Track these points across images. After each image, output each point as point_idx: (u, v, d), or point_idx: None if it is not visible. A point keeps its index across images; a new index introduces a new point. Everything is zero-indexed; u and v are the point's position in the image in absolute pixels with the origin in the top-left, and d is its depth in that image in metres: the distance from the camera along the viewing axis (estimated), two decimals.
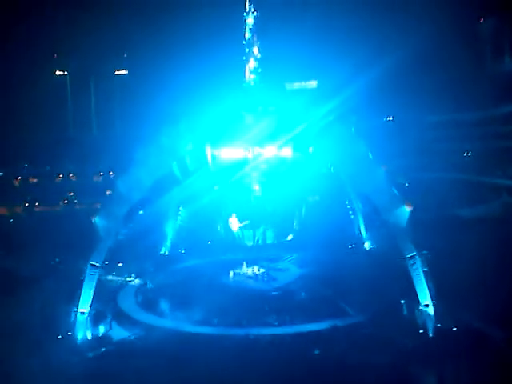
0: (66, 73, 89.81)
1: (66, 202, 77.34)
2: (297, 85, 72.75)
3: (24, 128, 79.80)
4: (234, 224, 57.85)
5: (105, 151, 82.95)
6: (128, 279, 48.76)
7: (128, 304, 42.70)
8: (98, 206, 47.87)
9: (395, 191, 38.86)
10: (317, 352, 32.84)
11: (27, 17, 75.30)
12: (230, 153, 51.53)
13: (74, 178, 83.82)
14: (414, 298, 36.64)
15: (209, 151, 50.53)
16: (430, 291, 36.31)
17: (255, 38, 55.97)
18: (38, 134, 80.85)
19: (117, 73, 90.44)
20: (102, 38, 78.90)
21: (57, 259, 52.46)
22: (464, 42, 72.95)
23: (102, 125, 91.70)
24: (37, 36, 77.40)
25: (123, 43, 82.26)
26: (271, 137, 50.58)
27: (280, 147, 50.98)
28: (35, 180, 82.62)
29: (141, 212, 44.67)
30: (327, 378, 29.39)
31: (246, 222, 57.55)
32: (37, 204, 75.88)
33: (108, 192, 59.12)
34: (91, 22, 76.92)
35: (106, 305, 40.95)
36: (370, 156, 40.63)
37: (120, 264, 49.39)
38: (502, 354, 31.03)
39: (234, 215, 57.73)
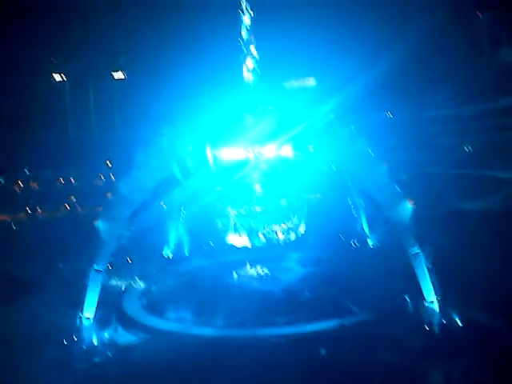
0: (64, 76, 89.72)
1: (67, 206, 77.30)
2: (296, 83, 72.68)
3: (24, 132, 79.67)
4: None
5: (105, 154, 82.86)
6: (132, 283, 48.73)
7: (133, 308, 42.65)
8: (100, 209, 47.94)
9: (397, 188, 38.83)
10: (323, 351, 32.76)
11: (25, 21, 75.21)
12: (230, 153, 51.43)
13: (74, 182, 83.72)
14: (418, 295, 36.69)
15: (209, 152, 50.45)
16: (434, 287, 36.37)
17: (253, 38, 55.79)
18: (38, 138, 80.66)
19: (116, 75, 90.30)
20: (101, 41, 78.86)
21: (60, 264, 52.41)
22: (463, 36, 72.79)
23: (102, 127, 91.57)
24: (35, 40, 77.33)
25: (121, 46, 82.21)
26: (271, 136, 50.48)
27: (280, 146, 50.90)
28: (36, 185, 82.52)
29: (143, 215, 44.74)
30: (334, 378, 29.33)
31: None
32: (39, 210, 75.84)
33: (109, 195, 59.10)
34: (89, 25, 76.89)
35: (111, 309, 41.00)
36: (371, 153, 40.57)
37: (124, 267, 49.44)
38: (509, 350, 30.89)
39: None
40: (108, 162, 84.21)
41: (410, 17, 70.96)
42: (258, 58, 55.84)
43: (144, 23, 75.68)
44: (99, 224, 39.13)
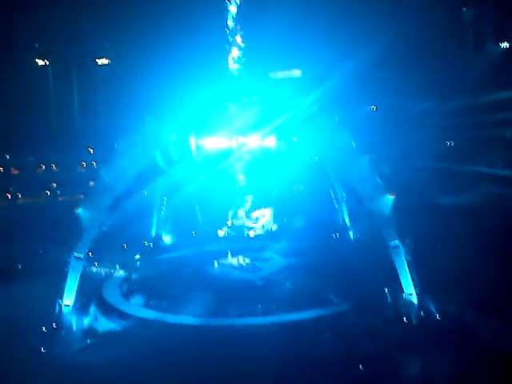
0: (47, 62, 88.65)
1: (48, 193, 76.59)
2: (281, 74, 72.49)
3: (5, 118, 78.57)
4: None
5: (88, 141, 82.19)
6: (112, 270, 48.60)
7: (113, 295, 42.55)
8: (82, 197, 47.68)
9: (378, 180, 39.12)
10: (302, 341, 32.99)
11: (8, 5, 74.00)
12: (214, 143, 51.39)
13: (56, 169, 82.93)
14: (397, 287, 37.06)
15: (193, 141, 50.36)
16: (413, 280, 36.76)
17: (239, 27, 55.68)
18: (20, 124, 79.66)
19: (100, 62, 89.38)
20: (85, 26, 77.81)
21: (41, 251, 52.05)
22: (448, 31, 73.05)
23: (85, 115, 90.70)
24: (17, 24, 76.14)
25: (106, 32, 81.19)
26: (255, 126, 50.51)
27: (264, 137, 50.96)
28: (17, 171, 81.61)
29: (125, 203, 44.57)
30: (312, 367, 29.58)
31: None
32: (19, 195, 75.11)
33: (91, 183, 58.78)
34: (73, 10, 75.84)
35: (91, 296, 40.89)
36: (354, 145, 40.81)
37: (104, 255, 49.24)
38: (485, 343, 31.39)
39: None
40: (90, 149, 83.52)
41: (396, 10, 71.04)
42: (243, 48, 55.79)
43: (128, 9, 74.85)
44: (80, 211, 38.91)
